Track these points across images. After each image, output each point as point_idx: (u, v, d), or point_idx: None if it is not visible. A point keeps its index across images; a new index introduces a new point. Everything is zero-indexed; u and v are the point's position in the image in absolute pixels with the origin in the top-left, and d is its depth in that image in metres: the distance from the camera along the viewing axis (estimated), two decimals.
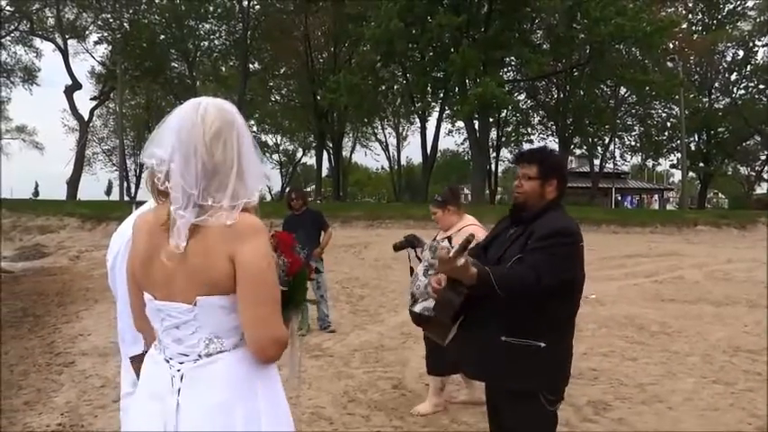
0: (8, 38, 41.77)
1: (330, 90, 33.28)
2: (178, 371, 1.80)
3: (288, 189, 6.33)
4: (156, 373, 1.85)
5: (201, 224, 1.74)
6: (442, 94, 36.86)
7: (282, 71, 44.77)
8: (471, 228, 4.95)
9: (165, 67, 40.91)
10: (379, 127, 52.30)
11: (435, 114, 41.02)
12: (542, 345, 2.79)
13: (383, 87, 37.99)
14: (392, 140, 55.24)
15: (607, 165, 47.96)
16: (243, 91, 40.85)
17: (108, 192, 62.73)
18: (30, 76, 43.52)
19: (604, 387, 5.61)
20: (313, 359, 6.71)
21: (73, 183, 41.02)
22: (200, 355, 1.79)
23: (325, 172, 50.93)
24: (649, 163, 52.60)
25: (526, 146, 42.63)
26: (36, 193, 61.51)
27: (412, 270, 4.81)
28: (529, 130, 43.91)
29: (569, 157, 46.10)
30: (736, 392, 5.47)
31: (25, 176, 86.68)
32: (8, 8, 39.21)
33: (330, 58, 41.91)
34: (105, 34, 40.27)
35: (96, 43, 41.19)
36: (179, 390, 1.78)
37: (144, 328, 1.96)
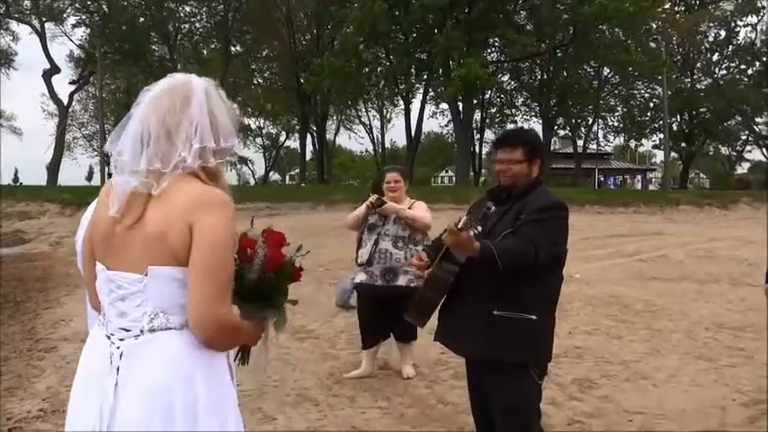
0: None
1: (314, 73, 33.03)
2: (118, 348, 1.73)
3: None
4: (96, 350, 1.78)
5: (141, 190, 1.71)
6: (425, 76, 36.71)
7: (265, 54, 44.31)
8: (421, 204, 5.31)
9: (146, 51, 40.31)
10: (363, 109, 52.07)
11: (419, 96, 40.92)
12: (534, 317, 2.85)
13: (367, 69, 37.74)
14: (376, 123, 55.14)
15: (590, 146, 48.14)
16: (225, 74, 40.39)
17: (89, 177, 62.06)
18: (6, 59, 42.79)
19: (590, 365, 5.62)
20: (298, 341, 6.68)
21: (53, 168, 40.51)
22: (142, 331, 1.71)
23: (309, 155, 50.73)
24: (632, 143, 52.94)
25: (510, 127, 42.69)
26: (16, 179, 60.66)
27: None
28: (513, 111, 43.87)
29: (552, 138, 46.20)
30: (720, 368, 5.51)
31: (5, 162, 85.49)
32: None
33: (313, 41, 41.52)
34: (83, 17, 39.57)
35: (74, 26, 40.53)
36: (117, 368, 1.70)
37: (97, 305, 1.89)
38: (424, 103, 40.23)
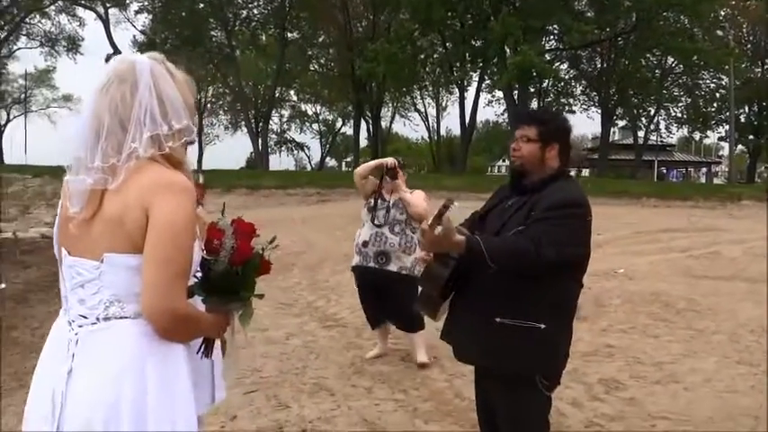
0: (52, 7, 42.44)
1: (367, 59, 32.96)
2: (75, 334, 1.71)
3: None
4: (57, 335, 1.77)
5: (97, 187, 1.67)
6: (481, 64, 36.19)
7: (321, 40, 44.47)
8: (420, 193, 5.24)
9: (204, 37, 40.96)
10: (419, 97, 51.75)
11: (475, 85, 40.40)
12: (542, 326, 2.57)
13: (422, 56, 37.46)
14: (432, 111, 54.69)
15: (651, 137, 46.66)
16: (281, 60, 40.77)
17: None
18: (73, 45, 44.26)
19: (620, 365, 5.42)
20: (326, 329, 6.67)
21: None
22: (98, 318, 1.69)
23: (365, 142, 50.80)
24: (696, 135, 50.97)
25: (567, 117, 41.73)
26: None
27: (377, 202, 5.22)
28: (570, 100, 42.86)
29: (612, 129, 44.97)
30: (760, 374, 5.21)
31: None
32: None
33: (369, 27, 41.43)
34: (146, 3, 40.51)
35: (137, 12, 41.50)
36: (73, 354, 1.68)
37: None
38: (479, 91, 39.70)
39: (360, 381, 5.02)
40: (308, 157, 65.49)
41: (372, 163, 5.49)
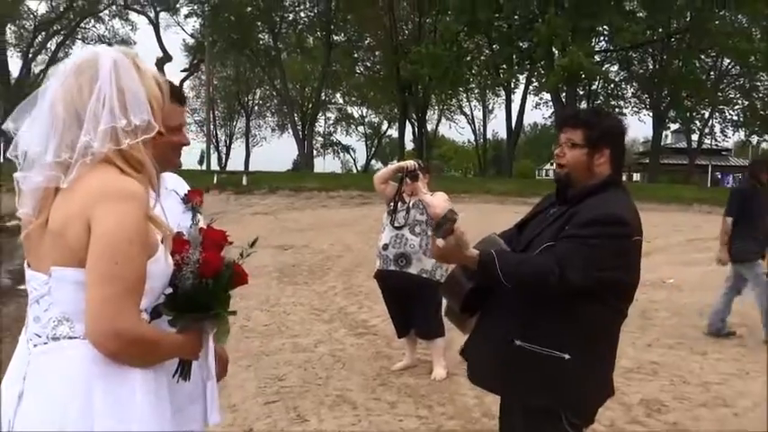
0: (106, 12, 43.59)
1: (412, 61, 32.77)
2: (29, 354, 1.55)
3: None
4: (18, 354, 1.61)
5: (48, 185, 1.52)
6: (528, 65, 35.60)
7: (367, 42, 44.50)
8: (441, 194, 5.07)
9: (252, 40, 41.43)
10: (465, 99, 51.26)
11: (522, 86, 39.78)
12: (566, 357, 2.25)
13: (467, 58, 37.07)
14: (478, 113, 54.11)
15: (706, 140, 45.15)
16: (327, 62, 40.93)
17: (201, 161, 64.77)
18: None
19: (663, 384, 5.07)
20: (355, 337, 6.49)
21: None
22: (48, 338, 1.53)
23: (411, 145, 50.59)
24: (754, 139, 49.11)
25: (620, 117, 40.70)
26: None
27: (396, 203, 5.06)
28: (621, 103, 41.79)
29: (664, 132, 43.69)
30: None
31: None
32: None
33: (415, 29, 41.25)
34: (195, 7, 41.21)
35: (186, 16, 42.39)
36: (24, 376, 1.53)
37: None
38: (526, 93, 39.12)
39: (384, 394, 4.80)
40: (354, 160, 65.69)
41: (392, 167, 5.38)
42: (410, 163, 5.14)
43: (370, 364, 5.53)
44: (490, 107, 53.17)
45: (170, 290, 1.70)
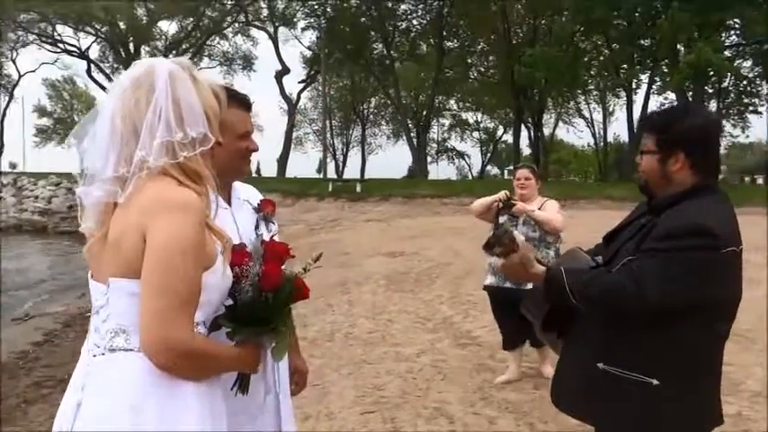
0: (229, 29, 45.95)
1: (526, 64, 32.09)
2: (87, 365, 1.56)
3: None
4: (80, 363, 1.63)
5: (107, 200, 1.53)
6: (651, 64, 33.89)
7: (480, 47, 44.14)
8: (554, 204, 5.01)
9: (365, 49, 42.21)
10: (583, 102, 49.62)
11: (644, 87, 37.96)
12: (654, 382, 2.05)
13: (585, 59, 35.84)
14: (597, 116, 52.18)
15: None
16: (439, 68, 40.95)
17: (319, 170, 66.69)
18: (248, 63, 47.68)
19: None
20: (459, 347, 6.35)
21: (282, 161, 44.20)
22: (105, 349, 1.53)
23: (527, 150, 49.62)
24: None
25: (751, 118, 37.92)
26: (258, 170, 66.87)
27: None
28: (755, 101, 38.87)
29: None
30: None
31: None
32: (228, 2, 43.09)
33: (530, 31, 40.47)
34: (312, 21, 42.57)
35: (303, 29, 43.88)
36: (83, 386, 1.54)
37: None
38: (648, 93, 37.27)
39: (484, 408, 4.64)
40: (469, 166, 65.19)
41: (485, 200, 5.20)
42: (501, 195, 5.05)
43: (471, 377, 5.37)
44: (610, 109, 51.11)
45: (230, 302, 1.68)
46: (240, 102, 2.03)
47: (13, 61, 47.51)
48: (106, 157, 1.56)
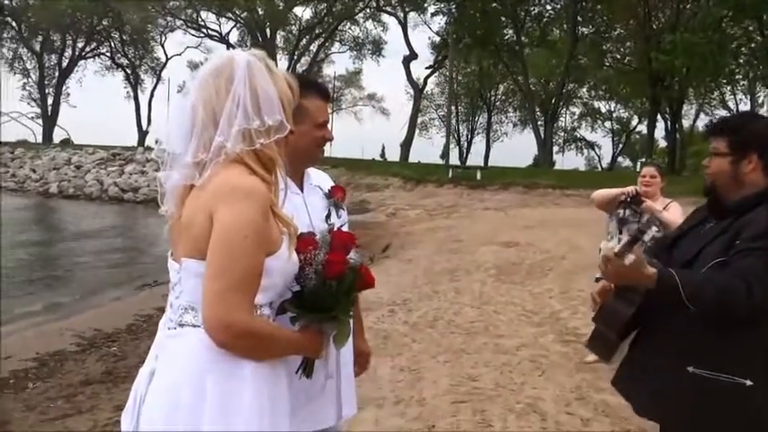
0: (360, 15, 46.78)
1: (665, 52, 30.23)
2: (162, 338, 1.70)
3: None
4: (158, 334, 1.76)
5: (185, 183, 1.64)
6: None
7: (616, 33, 42.14)
8: (677, 207, 4.76)
9: (495, 35, 41.48)
10: (728, 92, 46.23)
11: None
12: (748, 383, 2.05)
13: (733, 46, 33.26)
14: (744, 107, 48.39)
15: None
16: (571, 55, 39.56)
17: (443, 155, 66.46)
18: (377, 48, 48.46)
19: None
20: (562, 344, 6.20)
21: (405, 146, 44.54)
22: (176, 324, 1.64)
23: (663, 143, 47.07)
24: None
25: None
26: (383, 154, 67.86)
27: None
28: None
29: None
30: None
31: (375, 139, 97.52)
32: None
33: (672, 16, 38.09)
34: (442, 5, 42.36)
35: (433, 15, 43.74)
36: (156, 356, 1.67)
37: None
38: None
39: (579, 409, 4.51)
40: (599, 157, 62.65)
41: (612, 191, 5.02)
42: (630, 189, 4.84)
43: (570, 375, 5.24)
44: (760, 100, 47.30)
45: (297, 288, 1.74)
46: (320, 91, 2.09)
47: (162, 45, 51.23)
48: (187, 143, 1.66)
